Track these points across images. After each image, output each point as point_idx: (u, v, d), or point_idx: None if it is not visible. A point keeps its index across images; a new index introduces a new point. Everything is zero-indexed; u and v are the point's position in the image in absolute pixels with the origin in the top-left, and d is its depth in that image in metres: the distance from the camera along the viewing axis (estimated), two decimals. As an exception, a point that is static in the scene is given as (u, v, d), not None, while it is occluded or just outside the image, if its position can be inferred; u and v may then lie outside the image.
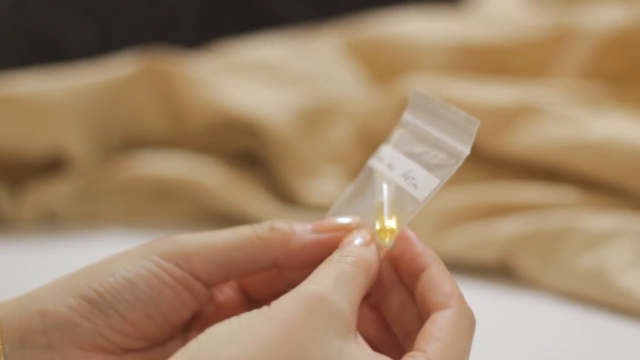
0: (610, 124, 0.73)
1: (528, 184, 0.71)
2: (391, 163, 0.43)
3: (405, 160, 0.43)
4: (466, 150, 0.41)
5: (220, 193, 0.77)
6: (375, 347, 0.38)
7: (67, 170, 0.79)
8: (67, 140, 0.78)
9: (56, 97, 0.79)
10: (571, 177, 0.71)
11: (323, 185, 0.79)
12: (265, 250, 0.42)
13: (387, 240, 0.41)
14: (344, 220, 0.42)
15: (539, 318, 0.61)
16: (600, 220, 0.65)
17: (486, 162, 0.76)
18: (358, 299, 0.38)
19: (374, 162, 0.45)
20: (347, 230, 0.42)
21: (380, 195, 0.43)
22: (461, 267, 0.66)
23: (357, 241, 0.41)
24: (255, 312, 0.36)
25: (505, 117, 0.75)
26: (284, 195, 0.79)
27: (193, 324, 0.43)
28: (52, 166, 0.80)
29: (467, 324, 0.38)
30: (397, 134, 0.45)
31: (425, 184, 0.41)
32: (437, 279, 0.39)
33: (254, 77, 0.88)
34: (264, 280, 0.44)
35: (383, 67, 0.92)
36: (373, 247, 0.41)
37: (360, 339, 0.37)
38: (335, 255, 0.40)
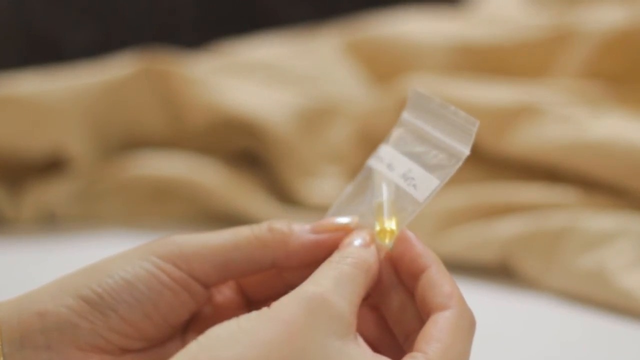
0: (610, 124, 0.73)
1: (528, 184, 0.71)
2: (391, 163, 0.43)
3: (404, 161, 0.43)
4: (466, 151, 0.41)
5: (220, 193, 0.77)
6: (376, 348, 0.38)
7: (67, 170, 0.79)
8: (66, 140, 0.78)
9: (56, 97, 0.79)
10: (571, 177, 0.71)
11: (323, 186, 0.79)
12: (263, 250, 0.42)
13: (387, 241, 0.41)
14: (343, 220, 0.42)
15: (539, 318, 0.61)
16: (601, 220, 0.65)
17: (486, 162, 0.76)
18: (358, 300, 0.38)
19: (373, 162, 0.44)
20: (346, 230, 0.42)
21: (379, 196, 0.43)
22: (461, 267, 0.66)
23: (357, 242, 0.41)
24: (255, 314, 0.36)
25: (506, 117, 0.75)
26: (284, 196, 0.79)
27: (192, 324, 0.43)
28: (51, 166, 0.80)
29: (468, 324, 0.38)
30: (397, 133, 0.44)
31: (425, 184, 0.41)
32: (437, 279, 0.39)
33: (253, 77, 0.88)
34: (263, 281, 0.44)
35: (383, 67, 0.92)
36: (373, 248, 0.41)
37: (361, 340, 0.37)
38: (335, 257, 0.39)
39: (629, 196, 0.69)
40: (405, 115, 0.45)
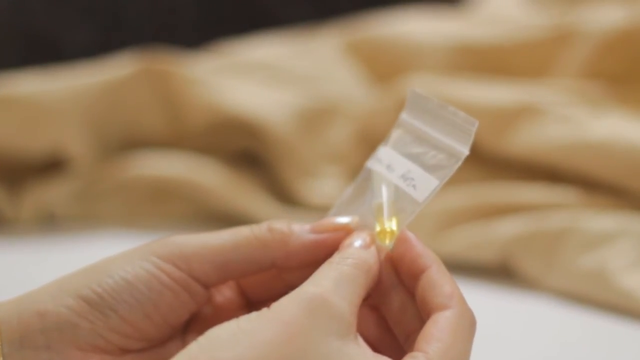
0: (611, 124, 0.73)
1: (529, 184, 0.71)
2: (390, 164, 0.43)
3: (403, 161, 0.43)
4: (465, 151, 0.41)
5: (220, 193, 0.77)
6: (376, 349, 0.38)
7: (66, 170, 0.79)
8: (66, 140, 0.78)
9: (55, 97, 0.79)
10: (572, 178, 0.71)
11: (323, 186, 0.79)
12: (263, 250, 0.42)
13: (387, 242, 0.41)
14: (343, 220, 0.42)
15: (539, 318, 0.61)
16: (601, 220, 0.65)
17: (486, 162, 0.76)
18: (358, 301, 0.38)
19: (372, 164, 0.44)
20: (345, 229, 0.42)
21: (379, 197, 0.43)
22: (461, 267, 0.66)
23: (357, 243, 0.41)
24: (254, 314, 0.36)
25: (506, 117, 0.75)
26: (284, 196, 0.79)
27: (192, 325, 0.43)
28: (51, 166, 0.80)
29: (468, 324, 0.38)
30: (395, 134, 0.44)
31: (424, 184, 0.41)
32: (438, 279, 0.39)
33: (253, 77, 0.88)
34: (263, 281, 0.44)
35: (383, 67, 0.92)
36: (373, 249, 0.41)
37: (361, 340, 0.37)
38: (335, 258, 0.39)
39: (629, 196, 0.69)
40: (404, 116, 0.44)
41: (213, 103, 0.81)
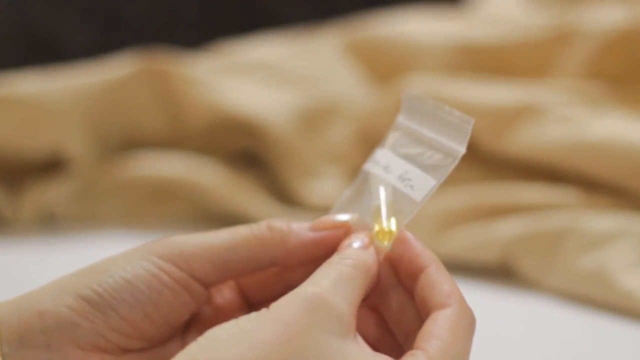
0: (611, 124, 0.73)
1: (529, 185, 0.71)
2: (387, 166, 0.43)
3: (401, 162, 0.43)
4: (462, 149, 0.41)
5: (220, 193, 0.77)
6: (376, 349, 0.38)
7: (66, 170, 0.79)
8: (66, 140, 0.78)
9: (55, 97, 0.79)
10: (572, 178, 0.71)
11: (323, 186, 0.79)
12: (263, 249, 0.42)
13: (386, 243, 0.41)
14: (342, 217, 0.42)
15: (539, 319, 0.61)
16: (601, 221, 0.65)
17: (486, 163, 0.76)
18: (357, 301, 0.38)
19: (369, 166, 0.44)
20: (344, 227, 0.42)
21: (377, 198, 0.43)
22: (462, 268, 0.66)
23: (356, 244, 0.41)
24: (254, 315, 0.36)
25: (506, 117, 0.75)
26: (284, 196, 0.79)
27: (192, 325, 0.43)
28: (51, 166, 0.80)
29: (467, 323, 0.38)
30: (392, 137, 0.45)
31: (422, 184, 0.41)
32: (436, 279, 0.39)
33: (253, 77, 0.88)
34: (263, 282, 0.44)
35: (383, 67, 0.92)
36: (372, 249, 0.41)
37: (360, 339, 0.37)
38: (334, 258, 0.39)
39: (629, 196, 0.69)
40: (400, 118, 0.45)
41: (213, 103, 0.81)
